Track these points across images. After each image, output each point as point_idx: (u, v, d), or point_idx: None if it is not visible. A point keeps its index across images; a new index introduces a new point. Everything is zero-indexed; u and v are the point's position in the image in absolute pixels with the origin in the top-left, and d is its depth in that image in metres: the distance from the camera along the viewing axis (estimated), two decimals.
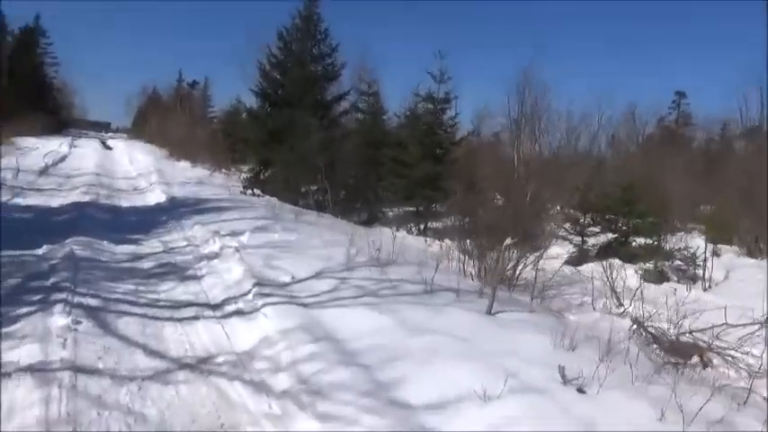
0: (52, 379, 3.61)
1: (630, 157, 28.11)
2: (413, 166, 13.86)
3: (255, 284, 5.81)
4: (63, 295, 5.23)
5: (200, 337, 4.79)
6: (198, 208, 11.32)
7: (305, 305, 5.32)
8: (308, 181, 14.48)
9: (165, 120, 43.53)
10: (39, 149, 24.73)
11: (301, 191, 15.80)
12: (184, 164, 23.49)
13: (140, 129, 56.51)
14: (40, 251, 7.01)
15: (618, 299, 8.69)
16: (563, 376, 3.92)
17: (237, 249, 7.32)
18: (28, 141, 28.77)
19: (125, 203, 12.19)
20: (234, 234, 8.52)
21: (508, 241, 5.67)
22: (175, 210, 11.15)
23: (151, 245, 8.23)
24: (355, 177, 14.50)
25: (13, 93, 43.12)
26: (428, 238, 12.42)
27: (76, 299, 5.22)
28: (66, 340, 4.28)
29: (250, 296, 5.60)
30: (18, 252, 6.86)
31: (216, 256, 7.41)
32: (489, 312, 5.58)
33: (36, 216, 9.67)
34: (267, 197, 15.06)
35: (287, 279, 6.17)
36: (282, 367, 4.12)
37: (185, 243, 8.38)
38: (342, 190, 14.49)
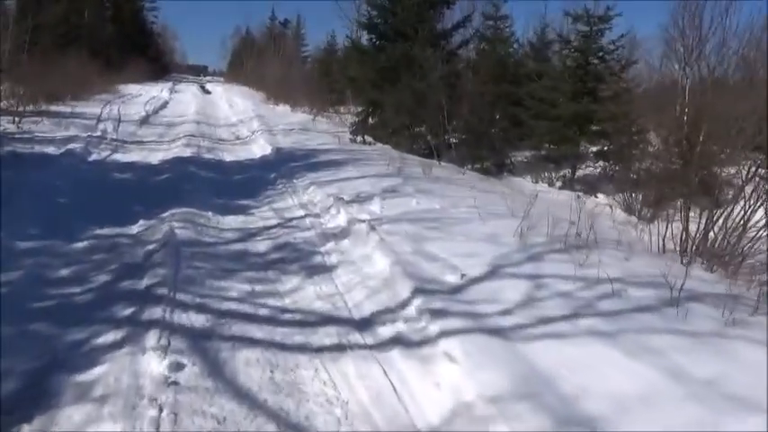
0: None
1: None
2: (559, 105, 11.35)
3: (416, 291, 4.05)
4: (159, 311, 3.74)
5: (355, 391, 3.12)
6: (309, 162, 9.74)
7: (501, 333, 3.49)
8: (428, 124, 12.48)
9: (259, 62, 42.77)
10: (141, 96, 24.41)
11: (415, 135, 13.87)
12: (283, 108, 22.20)
13: (236, 71, 56.43)
14: (135, 228, 5.68)
15: None
16: None
17: (372, 226, 5.59)
18: (131, 88, 28.77)
19: (228, 157, 10.87)
20: (360, 200, 6.83)
21: None
22: (284, 164, 9.63)
23: (263, 215, 6.71)
24: (480, 118, 12.32)
25: (116, 39, 43.89)
26: (579, 193, 10.17)
27: (176, 316, 3.72)
28: (161, 410, 2.74)
29: (412, 310, 3.86)
30: (111, 231, 5.57)
31: (345, 233, 5.74)
32: None
33: (135, 176, 8.48)
34: (379, 145, 13.28)
35: (454, 279, 4.36)
36: None
37: (303, 212, 6.79)
38: (465, 133, 12.38)
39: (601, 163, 11.77)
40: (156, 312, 3.73)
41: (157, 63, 53.08)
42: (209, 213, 6.39)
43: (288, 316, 4.02)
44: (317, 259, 5.21)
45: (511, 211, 6.48)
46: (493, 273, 4.51)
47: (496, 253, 4.98)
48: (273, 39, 48.04)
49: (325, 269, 4.95)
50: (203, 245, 5.34)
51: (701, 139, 10.67)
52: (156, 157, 10.12)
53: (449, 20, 14.54)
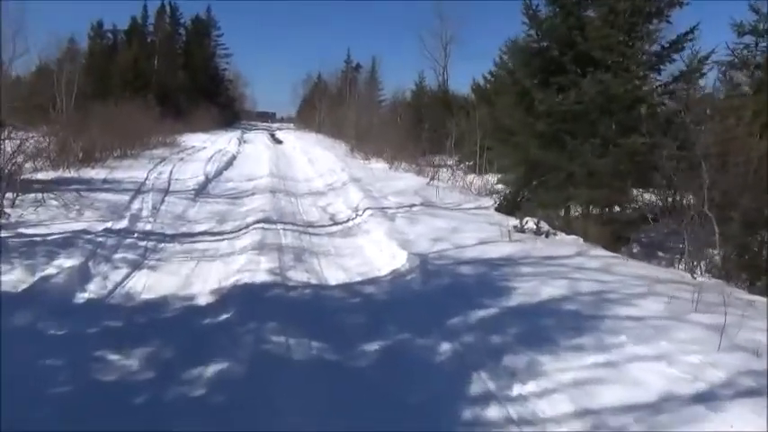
0: None
1: None
2: None
3: None
4: None
5: None
6: (505, 306, 4.76)
7: None
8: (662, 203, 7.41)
9: (335, 108, 39.28)
10: (205, 149, 20.65)
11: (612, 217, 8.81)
12: (378, 164, 17.66)
13: (306, 118, 53.71)
14: None
15: None
16: None
17: None
18: (196, 138, 25.39)
19: (333, 274, 6.07)
20: None
21: None
22: (452, 307, 4.71)
23: None
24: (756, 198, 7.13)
25: (186, 86, 41.75)
26: None
27: None
28: None
29: None
30: None
31: None
32: None
33: (147, 368, 3.71)
34: (561, 235, 8.20)
35: None
36: None
37: None
38: (729, 223, 7.12)
39: None
40: None
41: (227, 110, 50.91)
42: None
43: None
44: None
45: None
46: None
47: None
48: (349, 83, 44.57)
49: None
50: None
51: None
52: (205, 283, 5.46)
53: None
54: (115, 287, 5.21)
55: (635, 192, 9.45)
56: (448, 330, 4.36)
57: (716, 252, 7.17)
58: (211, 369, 3.66)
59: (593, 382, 3.43)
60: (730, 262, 6.93)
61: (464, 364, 3.85)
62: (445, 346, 4.12)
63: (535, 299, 4.90)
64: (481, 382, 3.58)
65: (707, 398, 3.21)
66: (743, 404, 3.13)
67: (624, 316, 4.49)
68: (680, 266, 7.94)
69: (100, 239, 6.46)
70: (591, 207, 9.22)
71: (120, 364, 3.73)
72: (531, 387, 3.46)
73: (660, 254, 9.68)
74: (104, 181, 10.81)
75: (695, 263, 6.88)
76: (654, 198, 9.31)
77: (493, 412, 3.26)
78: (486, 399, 3.41)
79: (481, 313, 4.61)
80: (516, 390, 3.46)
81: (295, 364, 3.84)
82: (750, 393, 3.25)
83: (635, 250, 9.52)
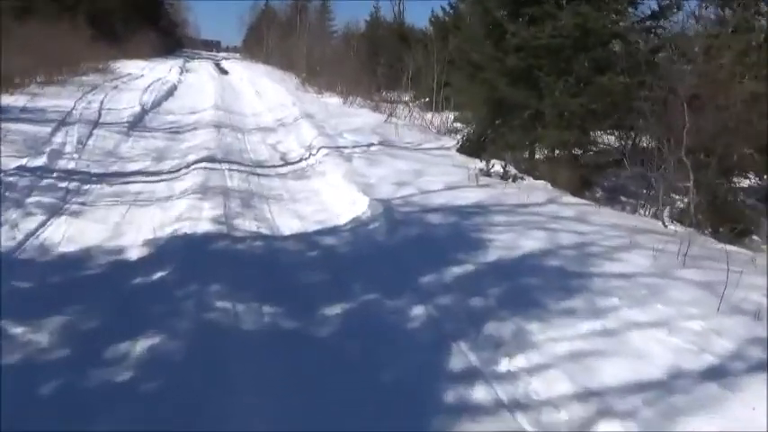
0: None
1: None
2: None
3: None
4: None
5: None
6: (482, 263, 4.27)
7: None
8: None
9: (284, 38, 37.20)
10: (143, 77, 19.03)
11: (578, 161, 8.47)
12: (332, 99, 16.68)
13: (253, 48, 51.01)
14: None
15: None
16: None
17: None
18: (133, 65, 23.38)
19: (286, 221, 5.42)
20: None
21: None
22: (421, 266, 4.22)
23: None
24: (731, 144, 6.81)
25: (122, 7, 38.37)
26: None
27: None
28: None
29: None
30: None
31: None
32: None
33: (59, 343, 3.05)
34: (529, 180, 7.77)
35: None
36: None
37: None
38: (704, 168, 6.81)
39: None
40: None
41: (169, 37, 47.42)
42: None
43: None
44: None
45: None
46: None
47: None
48: (299, 12, 41.97)
49: None
50: None
51: None
52: (137, 233, 4.72)
53: None
54: (26, 238, 4.41)
55: (597, 134, 9.08)
56: (420, 290, 3.86)
57: (681, 198, 6.92)
58: (143, 344, 3.03)
59: (590, 354, 3.01)
60: (700, 209, 6.66)
61: (441, 332, 3.38)
62: (418, 310, 3.62)
63: (514, 253, 4.44)
64: (462, 356, 3.12)
65: (719, 373, 2.84)
66: (759, 380, 2.78)
67: (612, 273, 4.09)
68: (644, 212, 7.74)
69: (10, 179, 5.54)
70: (557, 150, 8.80)
71: (26, 340, 3.05)
72: (520, 362, 3.01)
73: (623, 198, 9.48)
74: (23, 109, 9.55)
75: (660, 209, 6.59)
76: (615, 141, 8.98)
77: (479, 394, 2.81)
78: (470, 376, 2.95)
79: (456, 270, 4.12)
80: (504, 365, 3.02)
81: (244, 335, 3.25)
82: (762, 367, 2.91)
83: (598, 195, 9.27)
